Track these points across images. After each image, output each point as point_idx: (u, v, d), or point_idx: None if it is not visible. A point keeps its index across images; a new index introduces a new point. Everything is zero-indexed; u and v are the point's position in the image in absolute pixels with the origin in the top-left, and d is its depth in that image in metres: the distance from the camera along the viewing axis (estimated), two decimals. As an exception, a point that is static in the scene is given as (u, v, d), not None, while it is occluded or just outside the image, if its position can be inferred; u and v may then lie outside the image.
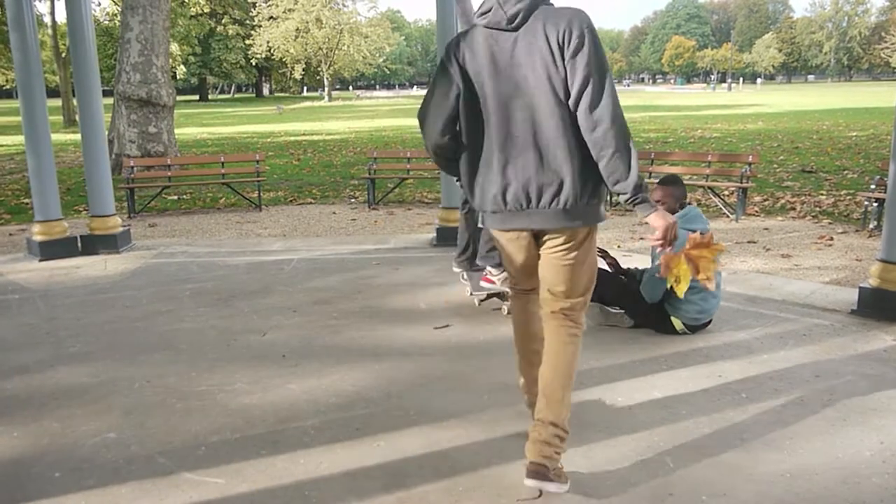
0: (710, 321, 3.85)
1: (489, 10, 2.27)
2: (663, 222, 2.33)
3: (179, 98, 15.15)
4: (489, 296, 4.38)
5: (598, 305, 3.97)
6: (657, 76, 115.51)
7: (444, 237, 5.99)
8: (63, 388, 3.27)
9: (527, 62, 2.21)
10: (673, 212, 3.70)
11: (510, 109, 2.25)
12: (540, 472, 2.25)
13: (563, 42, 2.16)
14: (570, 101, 2.19)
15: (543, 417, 2.32)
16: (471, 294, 4.39)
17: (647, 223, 2.36)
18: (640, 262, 4.74)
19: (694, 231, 3.51)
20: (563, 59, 2.17)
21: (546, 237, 2.35)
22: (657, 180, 3.88)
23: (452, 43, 2.36)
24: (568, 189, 2.23)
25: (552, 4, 2.29)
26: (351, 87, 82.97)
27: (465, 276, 4.55)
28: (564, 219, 2.27)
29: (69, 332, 4.05)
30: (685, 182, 4.02)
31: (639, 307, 3.85)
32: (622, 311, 3.93)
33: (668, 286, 3.54)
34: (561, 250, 2.34)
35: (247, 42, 54.22)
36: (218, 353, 3.67)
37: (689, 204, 3.84)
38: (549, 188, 2.24)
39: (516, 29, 2.23)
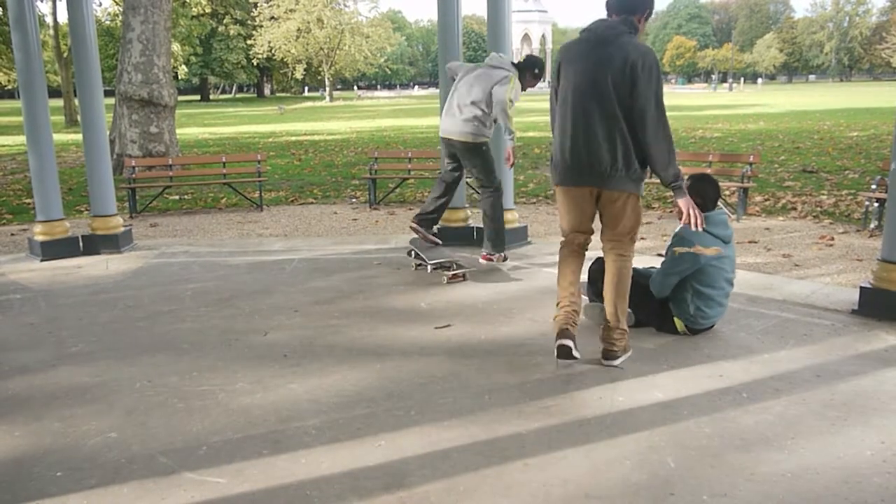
0: (712, 326, 3.85)
1: None
2: (684, 202, 3.33)
3: (181, 98, 15.17)
4: (445, 267, 5.05)
5: (598, 305, 3.97)
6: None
7: (446, 237, 5.98)
8: (64, 387, 3.27)
9: None
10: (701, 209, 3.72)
11: None
12: (609, 355, 3.39)
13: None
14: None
15: (608, 321, 3.38)
16: (427, 266, 5.11)
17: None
18: (646, 262, 4.74)
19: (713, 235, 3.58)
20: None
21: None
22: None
23: None
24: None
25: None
26: (355, 87, 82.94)
27: (416, 253, 5.23)
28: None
29: (71, 332, 4.06)
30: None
31: (643, 303, 3.85)
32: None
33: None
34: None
35: (248, 42, 54.24)
36: (219, 353, 3.67)
37: (720, 208, 3.82)
38: None
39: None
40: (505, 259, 5.43)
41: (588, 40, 3.28)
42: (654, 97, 3.13)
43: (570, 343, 3.28)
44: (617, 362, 3.39)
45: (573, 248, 3.51)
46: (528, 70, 5.23)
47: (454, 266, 5.05)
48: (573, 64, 3.30)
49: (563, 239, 3.56)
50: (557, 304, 3.45)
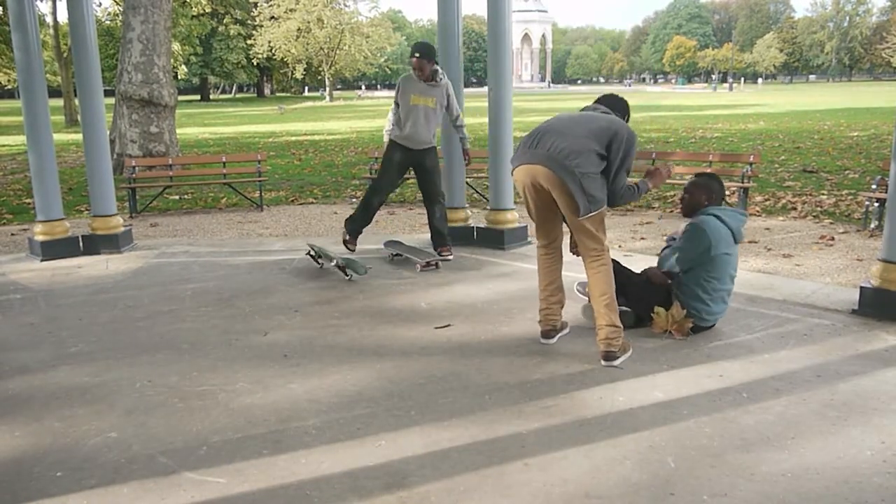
0: (713, 325, 3.85)
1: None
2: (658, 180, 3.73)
3: (181, 98, 15.16)
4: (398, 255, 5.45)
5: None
6: (658, 76, 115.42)
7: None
8: (65, 387, 3.27)
9: None
10: (698, 205, 3.82)
11: None
12: (609, 356, 3.43)
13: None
14: None
15: (601, 322, 3.46)
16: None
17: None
18: (642, 262, 4.74)
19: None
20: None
21: None
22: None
23: None
24: None
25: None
26: (362, 87, 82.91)
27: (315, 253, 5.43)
28: None
29: (71, 332, 4.06)
30: (686, 181, 4.04)
31: (644, 299, 3.86)
32: (624, 307, 3.93)
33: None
34: None
35: (248, 42, 54.21)
36: (219, 353, 3.67)
37: (714, 216, 3.74)
38: None
39: None
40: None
41: None
42: None
43: (613, 363, 3.44)
44: (617, 362, 3.42)
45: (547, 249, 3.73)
46: None
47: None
48: None
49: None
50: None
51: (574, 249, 3.90)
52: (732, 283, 3.83)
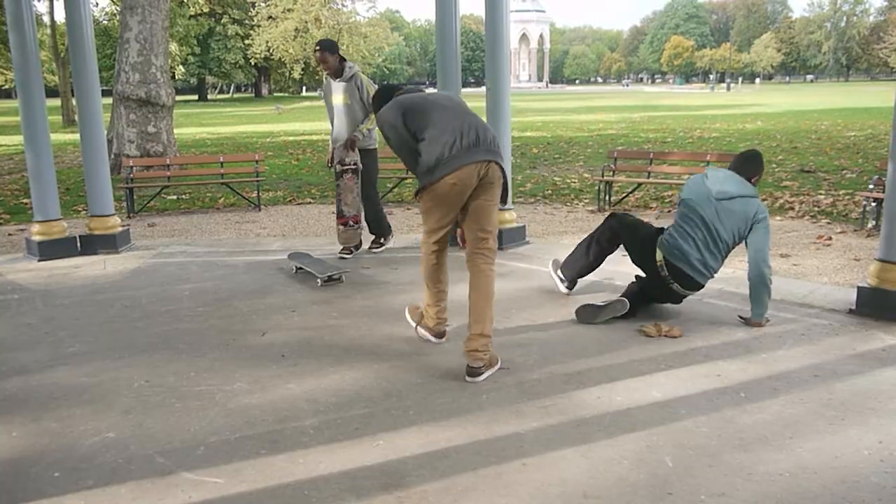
0: (702, 286, 4.00)
1: None
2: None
3: (178, 98, 15.14)
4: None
5: (590, 305, 4.00)
6: (656, 76, 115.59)
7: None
8: (62, 387, 3.27)
9: None
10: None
11: None
12: (475, 372, 3.21)
13: None
14: None
15: (478, 330, 3.24)
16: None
17: None
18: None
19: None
20: None
21: None
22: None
23: None
24: None
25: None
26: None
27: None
28: None
29: (68, 332, 4.05)
30: (684, 181, 4.08)
31: (638, 293, 4.04)
32: (613, 299, 4.01)
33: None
34: None
35: (246, 42, 54.08)
36: (217, 353, 3.67)
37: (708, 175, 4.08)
38: None
39: None
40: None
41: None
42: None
43: (478, 379, 3.25)
44: (482, 378, 3.22)
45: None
46: None
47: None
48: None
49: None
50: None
51: (463, 242, 3.64)
52: (706, 231, 3.90)
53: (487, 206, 3.36)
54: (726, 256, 4.01)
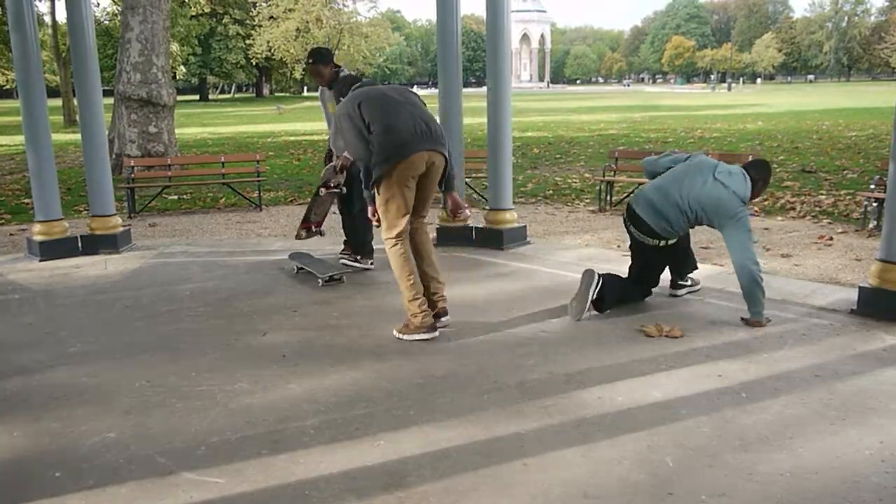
0: (656, 234, 4.09)
1: None
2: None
3: (180, 98, 15.14)
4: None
5: (576, 300, 4.02)
6: (657, 76, 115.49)
7: (444, 237, 5.99)
8: (63, 388, 3.27)
9: None
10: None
11: None
12: (445, 313, 3.89)
13: None
14: None
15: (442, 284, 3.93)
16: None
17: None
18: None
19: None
20: None
21: None
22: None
23: None
24: None
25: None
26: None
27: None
28: None
29: (69, 332, 4.06)
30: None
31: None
32: (596, 287, 4.06)
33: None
34: None
35: (247, 42, 54.15)
36: (218, 353, 3.67)
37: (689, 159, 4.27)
38: None
39: None
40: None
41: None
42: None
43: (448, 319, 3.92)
44: (448, 318, 3.91)
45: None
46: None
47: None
48: None
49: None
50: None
51: (454, 214, 4.05)
52: (678, 189, 4.03)
53: (429, 195, 3.82)
54: (686, 221, 4.06)
